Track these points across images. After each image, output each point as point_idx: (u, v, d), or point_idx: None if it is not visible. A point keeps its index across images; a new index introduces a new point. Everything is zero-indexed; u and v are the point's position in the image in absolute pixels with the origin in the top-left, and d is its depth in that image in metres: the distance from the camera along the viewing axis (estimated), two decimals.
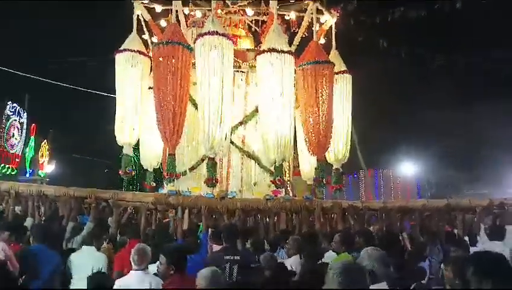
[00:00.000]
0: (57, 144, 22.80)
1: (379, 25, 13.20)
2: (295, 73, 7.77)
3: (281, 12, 8.59)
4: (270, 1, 8.21)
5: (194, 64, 7.33)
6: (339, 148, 8.37)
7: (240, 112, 8.35)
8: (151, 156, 8.88)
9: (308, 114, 7.66)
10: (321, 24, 8.97)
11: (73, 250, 5.05)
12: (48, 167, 22.34)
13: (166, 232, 6.09)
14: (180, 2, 8.30)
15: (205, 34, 7.08)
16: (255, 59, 7.77)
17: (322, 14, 8.85)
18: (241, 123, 8.30)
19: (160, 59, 7.19)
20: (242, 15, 9.64)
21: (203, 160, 7.63)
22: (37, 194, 6.73)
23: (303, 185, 9.29)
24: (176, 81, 7.03)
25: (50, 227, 5.93)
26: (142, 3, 8.34)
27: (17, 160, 19.03)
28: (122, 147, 8.16)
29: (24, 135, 19.70)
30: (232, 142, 8.15)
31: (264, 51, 7.41)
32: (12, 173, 18.28)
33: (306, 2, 8.57)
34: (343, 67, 8.62)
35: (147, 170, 9.18)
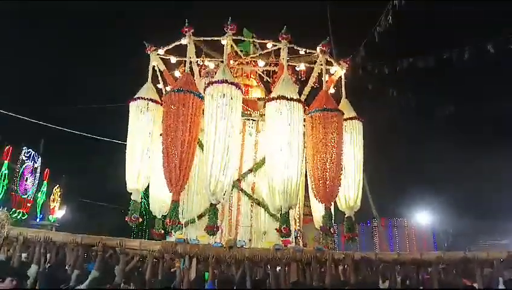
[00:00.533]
0: (69, 189, 23.02)
1: (389, 74, 13.47)
2: (304, 121, 7.83)
3: (291, 64, 8.82)
4: (281, 53, 8.44)
5: (204, 111, 7.47)
6: (350, 196, 8.22)
7: (250, 160, 8.38)
8: (160, 202, 8.80)
9: (316, 161, 7.61)
10: (331, 74, 9.13)
11: None
12: (59, 212, 22.41)
13: (170, 283, 5.97)
14: (194, 53, 8.60)
15: (215, 82, 7.28)
16: (265, 107, 7.89)
17: (332, 65, 9.05)
18: (250, 170, 8.30)
19: (172, 106, 7.34)
20: (254, 66, 9.95)
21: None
22: (44, 240, 6.68)
23: (314, 233, 9.08)
24: (185, 128, 7.14)
25: (55, 275, 5.86)
26: (158, 54, 8.67)
27: (28, 205, 19.17)
28: (131, 193, 8.17)
29: (37, 179, 19.98)
30: (241, 190, 8.11)
31: (273, 99, 7.53)
32: (23, 217, 18.35)
33: (315, 54, 8.80)
34: (353, 115, 8.67)
35: (155, 216, 9.09)
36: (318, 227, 8.52)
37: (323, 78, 8.51)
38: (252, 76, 10.22)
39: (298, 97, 7.79)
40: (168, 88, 8.90)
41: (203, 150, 7.59)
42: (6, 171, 17.10)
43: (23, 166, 18.73)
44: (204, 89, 7.42)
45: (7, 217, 6.11)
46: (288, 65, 8.52)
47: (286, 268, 6.73)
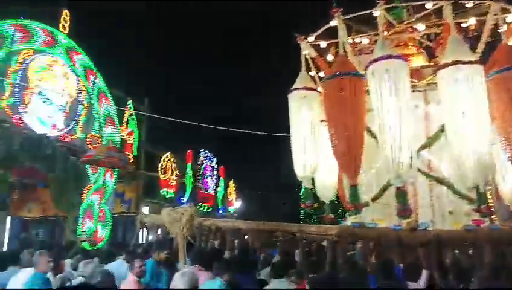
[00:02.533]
0: (242, 182, 25.43)
1: None
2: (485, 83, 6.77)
3: (457, 21, 7.75)
4: (444, 11, 7.50)
5: (367, 91, 7.16)
6: None
7: (422, 135, 7.69)
8: (327, 188, 8.89)
9: (507, 130, 6.51)
10: (508, 24, 7.71)
11: (263, 281, 5.28)
12: (236, 203, 24.97)
13: (355, 266, 5.91)
14: (346, 33, 8.33)
15: (376, 60, 6.84)
16: (435, 75, 7.12)
17: (509, 12, 7.63)
18: (424, 147, 7.60)
19: (331, 92, 7.27)
20: (410, 32, 9.12)
21: (385, 189, 7.21)
22: (232, 228, 7.42)
23: (502, 210, 7.82)
24: (347, 112, 6.97)
25: (245, 259, 6.43)
26: (308, 42, 8.70)
27: (211, 199, 21.93)
28: (301, 181, 8.43)
29: (215, 176, 22.66)
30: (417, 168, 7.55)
31: (446, 65, 6.68)
32: (208, 210, 21.03)
33: (487, 3, 7.54)
34: None
35: (323, 202, 9.22)
36: (508, 203, 7.33)
37: (499, 31, 7.23)
38: (409, 44, 9.39)
39: (475, 58, 6.80)
40: (322, 74, 8.88)
41: (367, 130, 7.33)
42: (191, 172, 19.85)
43: (203, 166, 21.49)
44: (365, 69, 7.10)
45: (195, 211, 6.95)
46: (454, 23, 7.50)
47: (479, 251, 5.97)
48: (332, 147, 7.18)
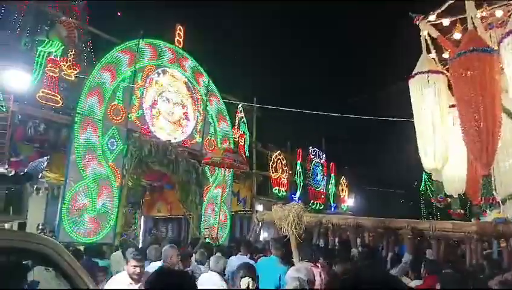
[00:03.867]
0: (353, 178, 24.66)
1: None
2: None
3: None
4: None
5: (502, 69, 6.29)
6: None
7: None
8: (456, 180, 8.06)
9: None
10: None
11: None
12: (349, 201, 24.29)
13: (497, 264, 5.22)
14: (474, 7, 7.42)
15: None
16: None
17: None
18: None
19: (458, 72, 6.53)
20: None
21: None
22: (354, 226, 7.11)
23: None
24: (477, 92, 6.19)
25: (372, 257, 6.10)
26: (429, 21, 7.97)
27: (322, 196, 21.67)
28: (421, 175, 7.76)
29: (325, 173, 22.36)
30: None
31: None
32: (320, 207, 20.81)
33: None
34: None
35: (451, 196, 8.39)
36: None
37: None
38: None
39: None
40: (445, 55, 8.06)
41: (507, 113, 6.44)
42: (300, 170, 19.86)
43: (312, 163, 21.36)
44: (499, 42, 6.23)
45: (302, 208, 6.78)
46: None
47: None
48: (462, 132, 6.47)
